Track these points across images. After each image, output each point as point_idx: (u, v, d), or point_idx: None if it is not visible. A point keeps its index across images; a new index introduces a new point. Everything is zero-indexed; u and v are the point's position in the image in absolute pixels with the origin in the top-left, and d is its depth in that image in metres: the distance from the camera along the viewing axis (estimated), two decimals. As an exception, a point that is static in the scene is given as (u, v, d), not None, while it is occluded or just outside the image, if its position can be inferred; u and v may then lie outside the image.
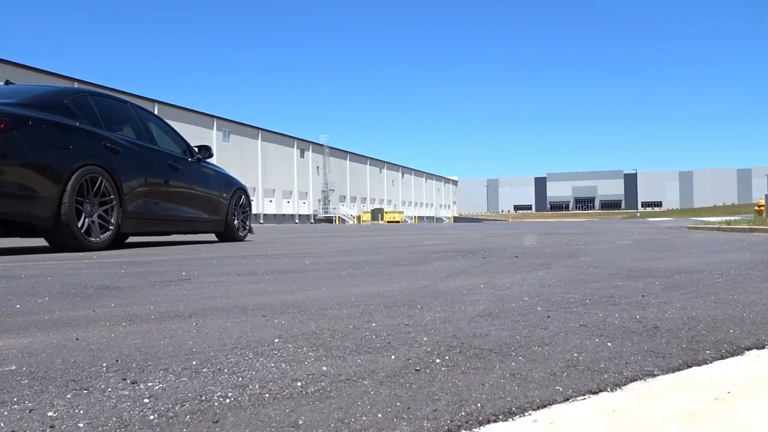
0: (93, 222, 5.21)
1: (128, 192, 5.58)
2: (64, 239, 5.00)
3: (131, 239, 8.30)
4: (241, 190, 7.90)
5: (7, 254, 5.13)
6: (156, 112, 42.53)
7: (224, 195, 7.38)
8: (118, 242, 6.61)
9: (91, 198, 5.17)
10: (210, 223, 7.13)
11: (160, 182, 6.14)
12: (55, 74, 36.02)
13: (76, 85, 35.74)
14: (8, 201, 4.54)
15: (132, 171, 5.68)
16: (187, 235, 9.88)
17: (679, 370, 1.23)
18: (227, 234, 7.50)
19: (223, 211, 7.33)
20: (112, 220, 5.38)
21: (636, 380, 1.15)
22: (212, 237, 9.00)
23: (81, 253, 4.98)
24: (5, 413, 0.98)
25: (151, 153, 6.14)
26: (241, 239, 7.78)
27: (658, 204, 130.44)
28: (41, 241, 7.27)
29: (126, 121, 6.16)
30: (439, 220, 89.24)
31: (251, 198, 8.53)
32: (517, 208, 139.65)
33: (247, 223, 8.04)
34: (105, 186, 5.26)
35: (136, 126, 6.23)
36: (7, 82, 6.21)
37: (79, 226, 5.03)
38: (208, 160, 7.37)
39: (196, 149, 7.10)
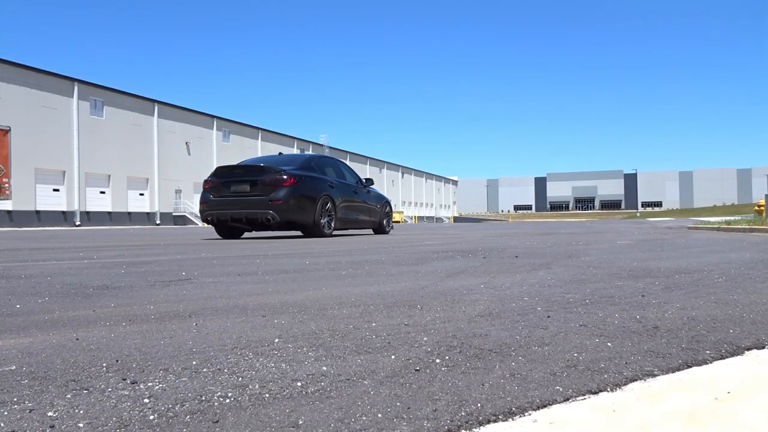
0: (325, 222, 9.48)
1: (338, 207, 9.92)
2: (316, 232, 9.25)
3: (132, 240, 8.72)
4: (387, 201, 12.12)
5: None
6: (156, 112, 43.17)
7: (378, 205, 11.61)
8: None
9: (324, 211, 9.47)
10: (371, 222, 11.34)
11: (350, 200, 10.49)
12: (55, 74, 36.02)
13: (75, 85, 36.94)
14: (296, 214, 8.96)
15: (339, 196, 10.05)
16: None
17: (679, 370, 1.23)
18: (379, 230, 11.63)
19: (378, 216, 11.56)
20: (332, 224, 9.70)
21: (636, 380, 1.15)
22: (215, 234, 10.08)
23: (81, 253, 5.16)
24: (5, 413, 0.98)
25: (345, 185, 10.56)
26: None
27: (658, 204, 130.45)
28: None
29: (330, 167, 10.61)
30: (439, 220, 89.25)
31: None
32: (517, 208, 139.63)
33: (391, 223, 12.18)
34: (329, 205, 9.64)
35: (336, 170, 10.75)
36: (279, 154, 10.92)
37: (322, 225, 9.36)
38: (371, 186, 11.69)
39: (364, 180, 11.41)
